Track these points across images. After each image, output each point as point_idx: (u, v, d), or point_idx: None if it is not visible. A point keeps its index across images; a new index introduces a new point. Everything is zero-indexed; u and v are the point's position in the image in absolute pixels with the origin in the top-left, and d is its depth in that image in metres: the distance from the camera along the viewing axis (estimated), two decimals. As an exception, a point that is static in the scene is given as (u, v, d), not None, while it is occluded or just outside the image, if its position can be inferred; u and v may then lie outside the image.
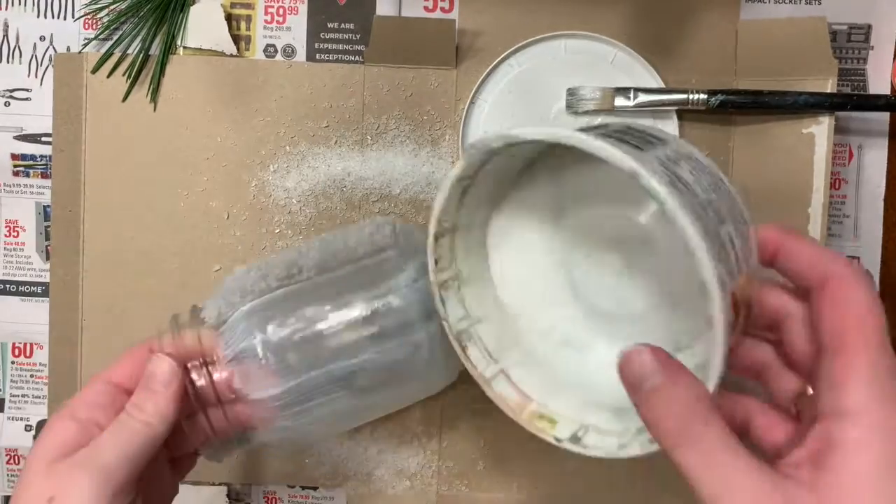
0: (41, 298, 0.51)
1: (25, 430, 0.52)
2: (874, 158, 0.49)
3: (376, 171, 0.49)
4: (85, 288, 0.49)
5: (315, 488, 0.51)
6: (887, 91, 0.49)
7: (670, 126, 0.47)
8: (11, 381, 0.52)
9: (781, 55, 0.47)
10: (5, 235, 0.51)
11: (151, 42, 0.49)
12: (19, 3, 0.50)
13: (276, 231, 0.49)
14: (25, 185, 0.51)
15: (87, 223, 0.49)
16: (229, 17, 0.49)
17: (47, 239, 0.51)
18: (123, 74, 0.49)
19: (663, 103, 0.47)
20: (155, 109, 0.49)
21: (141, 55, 0.49)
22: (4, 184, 0.51)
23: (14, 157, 0.51)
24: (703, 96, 0.46)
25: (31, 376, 0.52)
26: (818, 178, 0.47)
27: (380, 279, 0.38)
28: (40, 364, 0.51)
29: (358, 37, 0.49)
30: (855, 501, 0.25)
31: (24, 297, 0.51)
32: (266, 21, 0.50)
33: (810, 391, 0.30)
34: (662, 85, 0.47)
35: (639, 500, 0.50)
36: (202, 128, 0.49)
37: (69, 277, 0.50)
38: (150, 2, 0.49)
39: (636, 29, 0.48)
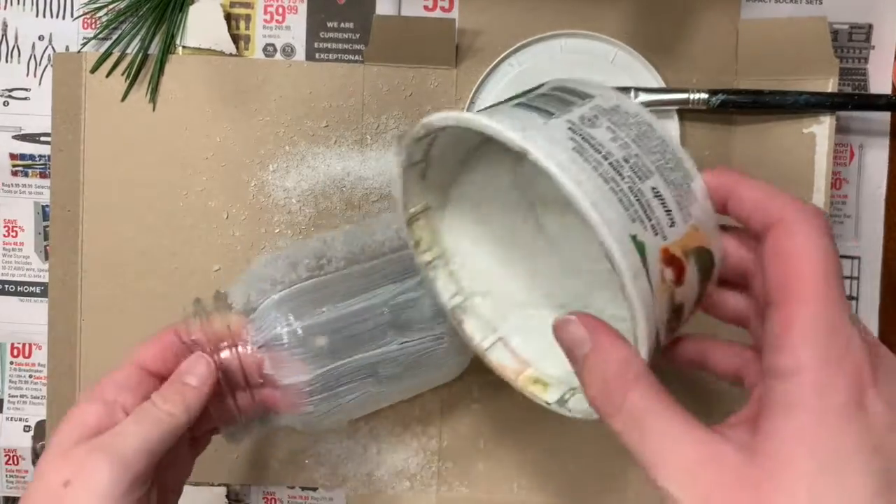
0: (40, 298, 0.51)
1: (24, 430, 0.52)
2: (875, 158, 0.49)
3: (376, 170, 0.49)
4: (84, 288, 0.49)
5: (314, 489, 0.51)
6: (888, 91, 0.49)
7: (671, 125, 0.47)
8: (10, 381, 0.52)
9: (782, 55, 0.47)
10: (4, 235, 0.51)
11: (150, 41, 0.49)
12: (18, 3, 0.50)
13: (276, 231, 0.49)
14: (24, 185, 0.51)
15: (86, 223, 0.49)
16: (228, 17, 0.49)
17: (46, 239, 0.51)
18: (122, 74, 0.49)
19: (664, 103, 0.47)
20: (154, 109, 0.49)
21: (140, 55, 0.49)
22: (3, 184, 0.51)
23: (13, 156, 0.51)
24: (703, 96, 0.46)
25: (30, 376, 0.51)
26: (819, 177, 0.47)
27: (405, 274, 0.40)
28: (39, 364, 0.51)
29: (357, 36, 0.49)
30: (786, 468, 0.23)
31: (22, 298, 0.51)
32: (265, 20, 0.50)
33: None
34: (663, 84, 0.47)
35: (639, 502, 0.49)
36: (201, 127, 0.49)
37: (68, 277, 0.49)
38: (149, 1, 0.48)
39: (637, 28, 0.48)
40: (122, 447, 0.33)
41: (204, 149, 0.49)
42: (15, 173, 0.51)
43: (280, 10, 0.50)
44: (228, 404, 0.38)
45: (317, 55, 0.50)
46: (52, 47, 0.50)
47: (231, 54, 0.49)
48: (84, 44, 0.50)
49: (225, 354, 0.37)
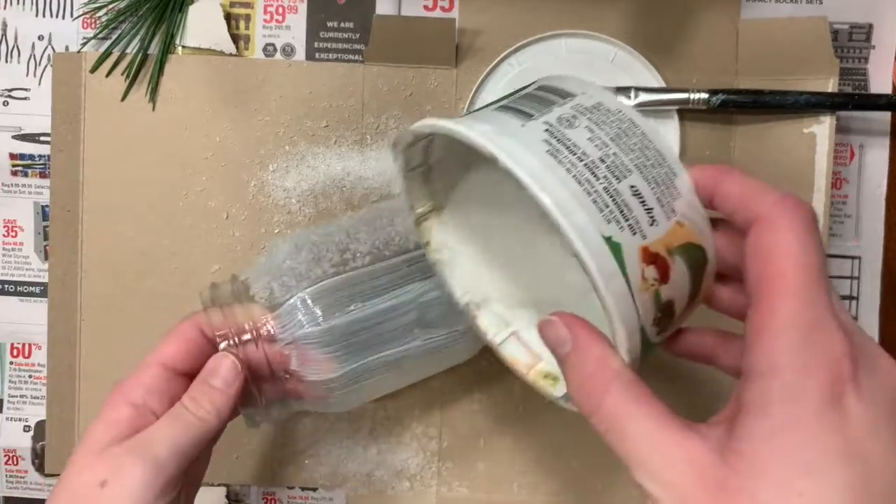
0: (40, 298, 0.51)
1: (24, 430, 0.52)
2: (875, 158, 0.49)
3: (376, 170, 0.49)
4: (84, 288, 0.49)
5: (314, 489, 0.51)
6: (888, 90, 0.49)
7: (671, 125, 0.47)
8: (10, 381, 0.52)
9: (782, 55, 0.47)
10: (4, 235, 0.51)
11: (150, 41, 0.49)
12: (18, 3, 0.50)
13: (276, 231, 0.49)
14: (24, 185, 0.51)
15: (86, 223, 0.49)
16: (228, 17, 0.49)
17: (46, 239, 0.51)
18: (122, 74, 0.49)
19: (664, 102, 0.47)
20: (154, 109, 0.49)
21: (140, 54, 0.49)
22: (3, 183, 0.51)
23: (13, 156, 0.51)
24: (704, 96, 0.46)
25: (30, 377, 0.51)
26: (819, 177, 0.47)
27: (430, 271, 0.40)
28: (39, 364, 0.51)
29: (357, 36, 0.49)
30: (756, 472, 0.23)
31: (22, 298, 0.51)
32: (265, 20, 0.50)
33: None
34: (663, 84, 0.47)
35: None
36: (201, 127, 0.49)
37: (68, 277, 0.49)
38: (149, 1, 0.48)
39: (637, 28, 0.48)
40: (156, 450, 0.33)
41: (204, 149, 0.49)
42: (15, 173, 0.51)
43: (280, 10, 0.50)
44: (252, 392, 0.38)
45: (317, 55, 0.50)
46: (52, 47, 0.50)
47: (231, 54, 0.49)
48: (84, 44, 0.50)
49: (251, 349, 0.37)
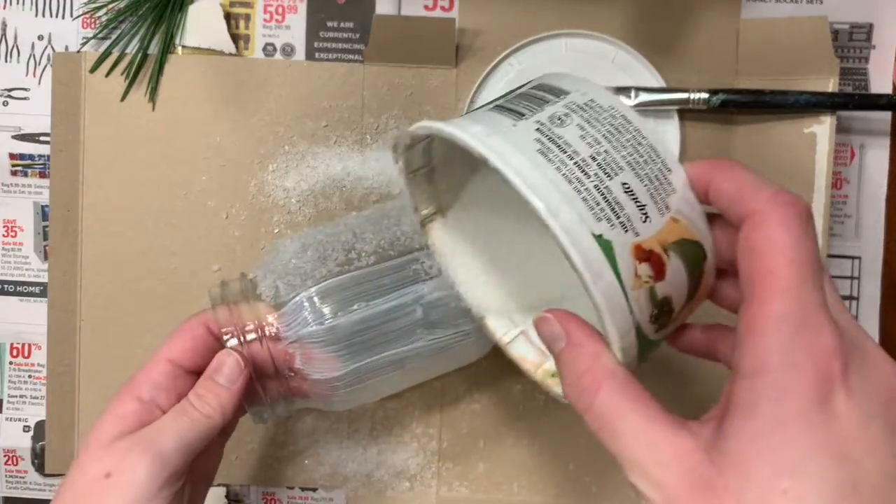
0: (39, 298, 0.51)
1: (24, 430, 0.52)
2: (876, 158, 0.49)
3: (376, 170, 0.49)
4: (83, 288, 0.49)
5: (314, 489, 0.51)
6: (889, 90, 0.49)
7: (671, 125, 0.47)
8: (10, 381, 0.51)
9: (783, 54, 0.47)
10: (3, 235, 0.51)
11: (150, 41, 0.49)
12: (17, 2, 0.50)
13: (276, 231, 0.49)
14: (24, 185, 0.51)
15: (86, 223, 0.49)
16: (228, 16, 0.49)
17: (45, 239, 0.51)
18: (122, 74, 0.49)
19: (664, 102, 0.47)
20: (154, 109, 0.49)
21: (139, 54, 0.49)
22: (2, 183, 0.51)
23: (12, 156, 0.51)
24: (704, 95, 0.46)
25: (30, 377, 0.51)
26: (819, 177, 0.47)
27: (435, 272, 0.40)
28: (38, 364, 0.51)
29: (357, 36, 0.49)
30: (741, 473, 0.23)
31: (22, 298, 0.51)
32: (265, 20, 0.50)
33: None
34: (663, 84, 0.47)
35: None
36: (201, 127, 0.49)
37: (67, 277, 0.49)
38: (149, 1, 0.48)
39: (637, 28, 0.48)
40: (161, 444, 0.34)
41: (203, 148, 0.49)
42: (14, 173, 0.51)
43: (280, 10, 0.49)
44: (257, 389, 0.38)
45: (317, 55, 0.50)
46: (52, 47, 0.50)
47: (231, 54, 0.49)
48: (83, 43, 0.50)
49: (256, 348, 0.38)
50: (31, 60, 0.50)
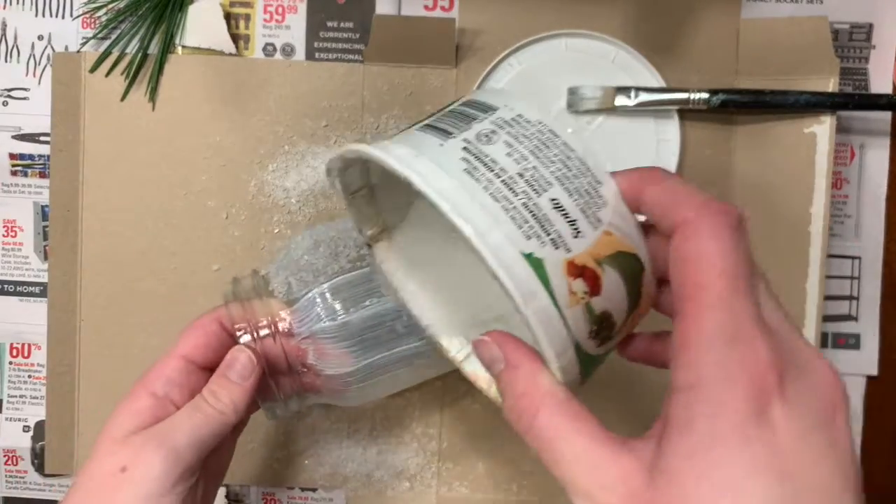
0: (39, 298, 0.51)
1: (23, 430, 0.52)
2: (876, 158, 0.49)
3: (376, 170, 0.49)
4: (83, 288, 0.49)
5: (314, 490, 0.51)
6: (889, 90, 0.49)
7: (671, 125, 0.47)
8: (9, 381, 0.51)
9: (783, 54, 0.47)
10: (3, 235, 0.51)
11: (150, 41, 0.49)
12: (17, 2, 0.50)
13: (275, 231, 0.49)
14: (23, 185, 0.51)
15: (86, 223, 0.49)
16: (228, 16, 0.49)
17: (45, 239, 0.50)
18: (122, 74, 0.49)
19: (664, 102, 0.46)
20: (153, 109, 0.49)
21: (139, 54, 0.49)
22: (2, 183, 0.51)
23: (12, 156, 0.51)
24: (704, 95, 0.46)
25: (30, 377, 0.51)
26: (820, 177, 0.47)
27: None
28: (38, 364, 0.51)
29: (357, 35, 0.49)
30: (679, 492, 0.22)
31: (22, 298, 0.51)
32: (265, 20, 0.50)
33: None
34: (663, 84, 0.47)
35: None
36: (201, 127, 0.49)
37: (67, 277, 0.49)
38: (149, 1, 0.48)
39: (637, 28, 0.48)
40: (176, 440, 0.34)
41: (203, 148, 0.49)
42: (14, 173, 0.51)
43: (280, 10, 0.49)
44: (270, 385, 0.38)
45: (316, 55, 0.50)
46: (52, 47, 0.50)
47: (230, 54, 0.49)
48: (83, 43, 0.50)
49: (269, 344, 0.38)
50: (31, 60, 0.50)
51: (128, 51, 0.49)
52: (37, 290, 0.51)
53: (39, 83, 0.50)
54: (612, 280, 0.27)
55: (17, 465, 0.52)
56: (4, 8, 0.50)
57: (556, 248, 0.26)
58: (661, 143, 0.47)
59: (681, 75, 0.48)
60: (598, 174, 0.27)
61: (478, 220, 0.25)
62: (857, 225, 0.49)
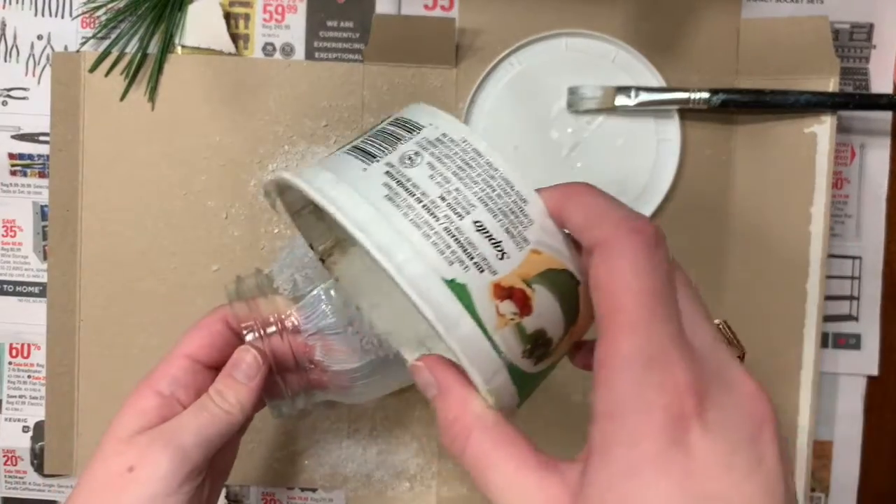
0: (39, 298, 0.51)
1: (23, 430, 0.51)
2: (876, 158, 0.49)
3: (376, 170, 0.49)
4: (82, 288, 0.49)
5: (314, 490, 0.51)
6: (889, 90, 0.49)
7: (672, 125, 0.47)
8: (9, 381, 0.51)
9: (783, 54, 0.47)
10: (2, 235, 0.51)
11: (149, 41, 0.49)
12: (17, 2, 0.50)
13: (275, 231, 0.49)
14: (23, 185, 0.51)
15: (85, 223, 0.49)
16: (228, 16, 0.49)
17: (45, 239, 0.50)
18: (121, 73, 0.49)
19: (665, 102, 0.46)
20: (153, 109, 0.49)
21: (139, 54, 0.48)
22: (2, 183, 0.51)
23: (11, 156, 0.50)
24: (704, 95, 0.46)
25: (29, 377, 0.51)
26: (820, 177, 0.47)
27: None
28: (38, 364, 0.51)
29: (357, 35, 0.49)
30: None
31: (21, 298, 0.51)
32: (265, 20, 0.50)
33: None
34: (664, 84, 0.47)
35: None
36: (200, 127, 0.49)
37: (67, 277, 0.49)
38: (148, 0, 0.48)
39: (638, 27, 0.48)
40: (182, 439, 0.34)
41: (203, 148, 0.49)
42: (14, 173, 0.51)
43: (279, 10, 0.49)
44: (277, 383, 0.38)
45: (316, 54, 0.50)
46: (51, 47, 0.50)
47: (230, 53, 0.49)
48: (83, 43, 0.50)
49: (276, 341, 0.38)
50: (31, 60, 0.50)
51: (127, 50, 0.49)
52: (36, 290, 0.51)
53: (39, 83, 0.50)
54: (543, 298, 0.26)
55: (16, 465, 0.52)
56: (4, 7, 0.50)
57: (481, 271, 0.25)
58: (661, 143, 0.47)
59: (681, 75, 0.48)
60: (523, 193, 0.27)
61: (396, 249, 0.25)
62: (857, 225, 0.49)
